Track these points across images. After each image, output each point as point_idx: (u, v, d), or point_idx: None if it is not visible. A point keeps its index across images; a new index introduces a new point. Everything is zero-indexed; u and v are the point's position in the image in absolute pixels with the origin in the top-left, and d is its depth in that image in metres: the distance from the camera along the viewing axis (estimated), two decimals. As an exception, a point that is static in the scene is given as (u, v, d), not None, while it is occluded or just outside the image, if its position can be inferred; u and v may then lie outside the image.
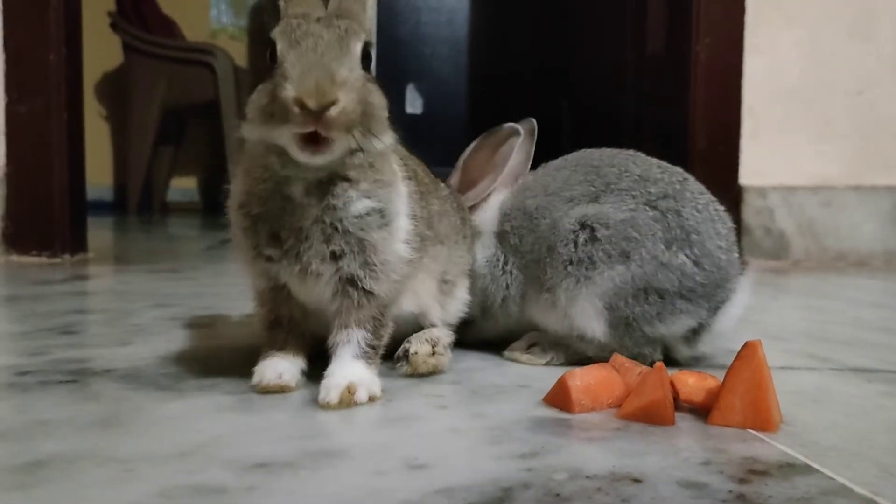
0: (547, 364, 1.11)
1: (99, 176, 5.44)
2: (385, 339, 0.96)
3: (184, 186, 6.03)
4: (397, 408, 0.88)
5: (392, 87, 3.41)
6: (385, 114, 0.89)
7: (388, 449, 0.74)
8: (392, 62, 3.91)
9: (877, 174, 2.69)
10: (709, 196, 1.12)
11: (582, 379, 0.88)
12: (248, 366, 0.96)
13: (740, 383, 0.82)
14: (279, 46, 0.84)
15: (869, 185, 2.67)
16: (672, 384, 0.87)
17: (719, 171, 2.64)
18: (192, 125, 5.73)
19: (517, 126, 1.23)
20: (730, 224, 1.11)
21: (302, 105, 0.78)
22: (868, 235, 2.64)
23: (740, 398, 0.82)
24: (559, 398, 0.89)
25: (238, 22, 6.26)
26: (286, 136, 0.82)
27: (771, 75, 2.65)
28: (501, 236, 1.21)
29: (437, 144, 3.82)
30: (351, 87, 0.81)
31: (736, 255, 1.10)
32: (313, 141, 0.81)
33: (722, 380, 0.85)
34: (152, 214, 5.18)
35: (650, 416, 0.83)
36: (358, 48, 0.86)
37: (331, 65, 0.81)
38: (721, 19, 2.63)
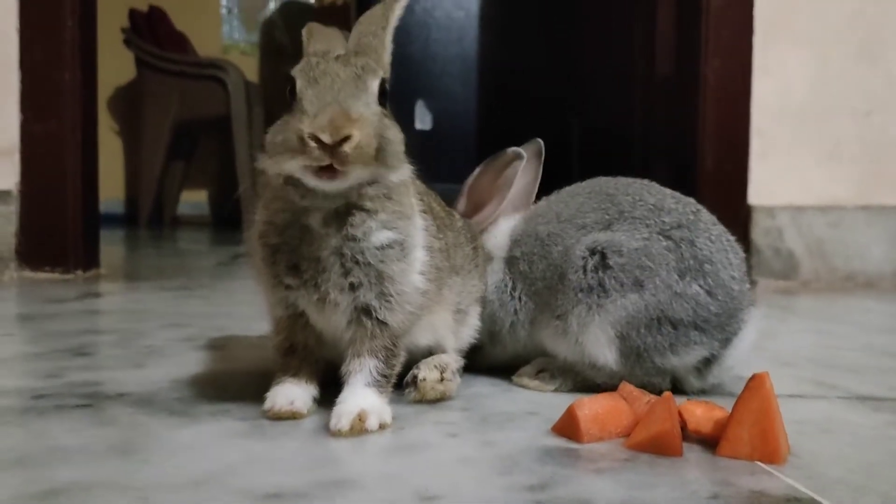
0: (555, 391, 1.12)
1: (110, 189, 5.48)
2: (397, 369, 0.97)
3: (194, 200, 6.07)
4: (408, 436, 0.89)
5: (401, 104, 3.43)
6: (401, 147, 0.91)
7: (400, 479, 0.75)
8: (402, 79, 3.94)
9: (885, 195, 2.68)
10: (721, 227, 1.13)
11: (590, 408, 0.89)
12: (260, 390, 0.97)
13: (748, 415, 0.83)
14: (298, 84, 0.87)
15: (878, 205, 2.67)
16: (680, 414, 0.88)
17: (728, 191, 2.65)
18: (203, 140, 5.78)
19: (520, 150, 1.25)
20: (741, 254, 1.12)
21: (317, 140, 0.81)
22: (877, 256, 2.64)
23: (748, 430, 0.82)
24: (568, 427, 0.89)
25: (249, 38, 6.32)
26: (301, 168, 0.84)
27: (779, 96, 2.66)
28: (511, 262, 1.22)
29: (446, 161, 3.85)
30: (366, 122, 0.83)
31: (747, 285, 1.10)
32: (327, 172, 0.83)
33: (730, 410, 0.85)
34: (163, 228, 5.22)
35: (658, 447, 0.84)
36: (374, 85, 0.88)
37: (346, 101, 0.84)
38: (729, 41, 2.64)
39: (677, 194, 1.16)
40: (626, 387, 0.97)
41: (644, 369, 1.07)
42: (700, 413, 0.89)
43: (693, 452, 0.85)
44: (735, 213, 2.62)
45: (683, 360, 1.07)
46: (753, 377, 0.84)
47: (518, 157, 1.24)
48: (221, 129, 5.24)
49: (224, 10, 6.27)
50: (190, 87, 5.25)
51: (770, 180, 2.65)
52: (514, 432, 0.91)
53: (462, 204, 1.29)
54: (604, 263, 1.08)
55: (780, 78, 2.66)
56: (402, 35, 4.11)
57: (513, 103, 4.02)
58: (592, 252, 1.09)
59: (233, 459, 0.79)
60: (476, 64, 4.02)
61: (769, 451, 0.81)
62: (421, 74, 3.97)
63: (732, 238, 1.12)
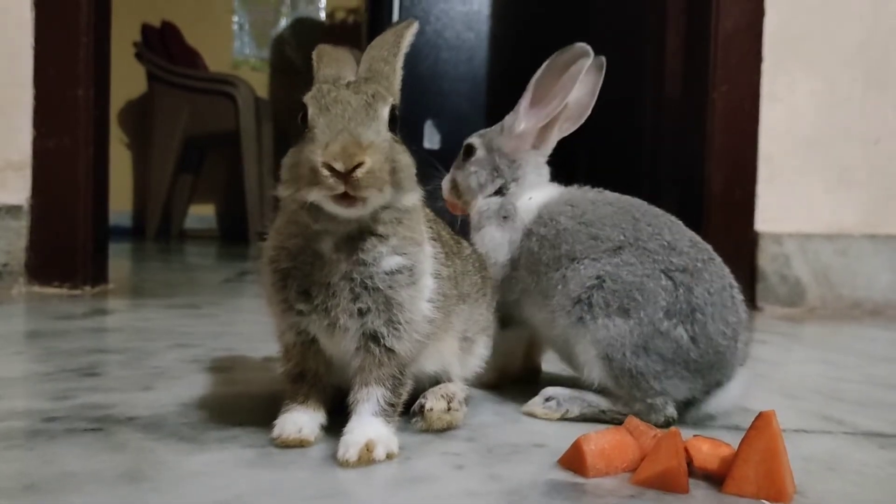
0: (562, 418, 1.13)
1: (118, 201, 5.52)
2: (404, 397, 0.97)
3: (202, 214, 6.11)
4: (414, 467, 0.90)
5: (410, 124, 3.44)
6: (412, 172, 0.92)
7: (406, 513, 0.75)
8: (411, 99, 3.97)
9: (893, 223, 2.69)
10: (728, 281, 1.13)
11: (596, 443, 0.89)
12: (268, 416, 0.98)
13: (754, 454, 0.83)
14: (310, 111, 0.88)
15: (885, 234, 2.67)
16: (686, 450, 0.88)
17: (735, 217, 2.65)
18: (212, 154, 5.82)
19: (588, 47, 1.25)
20: (743, 315, 1.12)
21: (331, 168, 0.82)
22: (884, 285, 2.64)
23: (754, 468, 0.83)
24: (574, 461, 0.90)
25: (260, 53, 6.37)
26: (320, 196, 0.85)
27: (787, 122, 2.67)
28: (528, 234, 1.24)
29: (453, 181, 3.86)
30: (377, 149, 0.85)
31: (741, 345, 1.11)
32: (346, 199, 0.84)
33: (736, 447, 0.86)
34: (170, 241, 5.25)
35: (665, 484, 0.84)
36: (385, 112, 0.89)
37: (357, 129, 0.85)
38: (738, 67, 2.66)
39: (697, 238, 1.17)
40: (632, 421, 0.97)
41: (642, 391, 1.09)
42: (706, 450, 0.89)
43: (699, 489, 0.85)
44: (742, 239, 2.63)
45: (674, 391, 1.09)
46: (760, 415, 0.84)
47: (585, 53, 1.25)
48: (230, 143, 5.28)
49: (235, 26, 6.32)
50: (200, 102, 5.29)
51: (777, 207, 2.66)
52: (521, 465, 0.92)
53: (526, 101, 1.29)
54: (599, 284, 1.11)
55: (789, 104, 2.67)
56: (412, 55, 4.12)
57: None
58: (597, 276, 1.12)
59: (241, 489, 0.80)
60: (485, 84, 4.05)
61: (775, 490, 0.82)
62: (430, 94, 3.99)
63: (739, 297, 1.13)
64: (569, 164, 4.11)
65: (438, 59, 4.03)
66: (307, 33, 6.38)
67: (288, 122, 6.03)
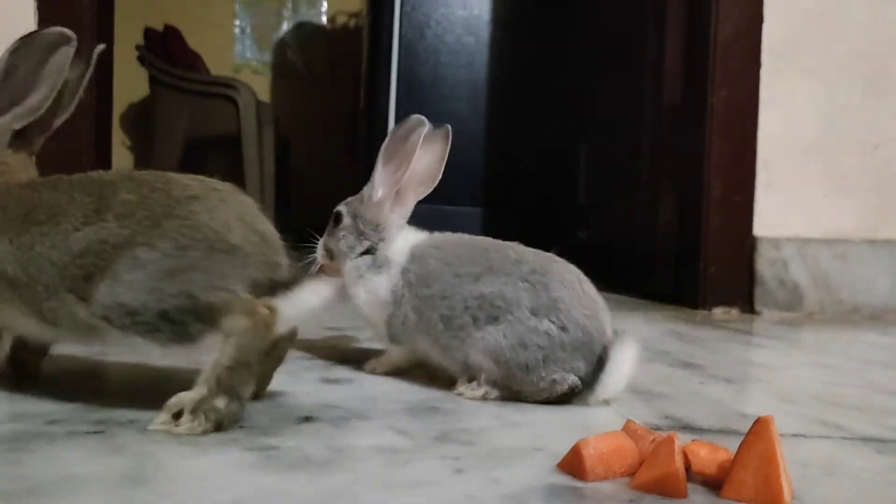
0: (483, 397, 1.25)
1: (120, 205, 5.53)
2: None
3: (202, 217, 6.10)
4: (414, 470, 0.90)
5: (411, 128, 3.36)
6: None
7: (406, 516, 0.76)
8: (411, 103, 3.98)
9: (892, 228, 2.70)
10: (577, 276, 1.29)
11: (595, 447, 0.90)
12: (269, 419, 0.98)
13: (752, 459, 0.84)
14: None
15: (884, 239, 2.68)
16: (685, 455, 0.89)
17: (734, 222, 2.66)
18: (213, 157, 5.83)
19: (423, 118, 1.36)
20: (599, 302, 1.28)
21: None
22: (883, 290, 2.64)
23: (752, 475, 0.83)
24: (573, 465, 0.90)
25: (262, 57, 6.39)
26: None
27: (786, 128, 2.69)
28: (405, 272, 1.36)
29: (456, 185, 3.87)
30: None
31: (605, 324, 1.26)
32: None
33: (734, 452, 0.86)
34: (170, 244, 5.24)
35: (663, 489, 0.85)
36: None
37: None
38: (737, 72, 2.67)
39: (539, 251, 1.33)
40: (631, 425, 0.98)
41: (537, 376, 1.22)
42: (704, 454, 0.89)
43: (697, 494, 0.86)
44: (740, 244, 2.64)
45: (561, 378, 1.22)
46: (758, 421, 0.85)
47: (420, 123, 1.35)
48: (232, 146, 5.29)
49: (237, 30, 6.34)
50: (201, 105, 5.31)
51: (776, 212, 2.67)
52: (520, 469, 0.92)
53: (378, 169, 1.40)
54: (465, 307, 1.26)
55: (788, 110, 2.68)
56: (412, 59, 4.16)
57: (521, 128, 4.05)
58: (465, 303, 1.27)
59: (243, 492, 0.80)
60: (485, 89, 4.06)
61: (772, 496, 0.82)
62: (430, 98, 4.00)
63: (590, 287, 1.29)
64: (571, 164, 4.10)
65: (438, 63, 4.04)
66: (309, 37, 6.41)
67: (288, 126, 6.08)
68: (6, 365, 1.27)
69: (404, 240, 1.41)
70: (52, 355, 1.30)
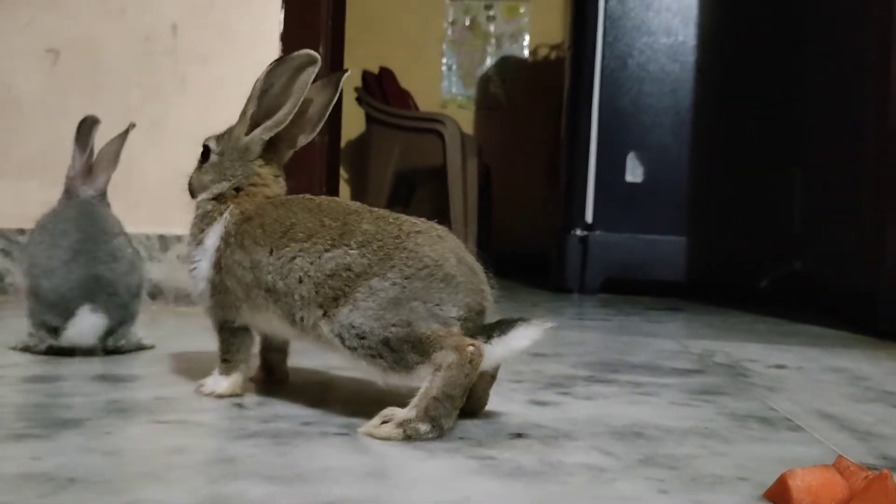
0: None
1: (338, 232, 6.03)
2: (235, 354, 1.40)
3: (410, 243, 6.48)
4: (620, 489, 0.97)
5: (612, 156, 3.48)
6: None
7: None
8: (613, 131, 4.01)
9: None
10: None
11: (803, 479, 0.91)
12: (484, 431, 1.09)
13: (975, 502, 0.81)
14: None
15: None
16: None
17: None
18: (421, 188, 6.20)
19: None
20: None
21: None
22: None
23: (974, 518, 0.81)
24: (779, 496, 0.93)
25: (466, 92, 6.71)
26: None
27: None
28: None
29: (657, 213, 3.85)
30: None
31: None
32: None
33: (956, 495, 0.84)
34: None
35: (874, 526, 0.85)
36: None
37: None
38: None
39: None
40: (843, 461, 0.97)
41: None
42: (921, 494, 0.88)
43: (913, 534, 0.85)
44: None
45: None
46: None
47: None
48: (438, 178, 5.61)
49: (444, 68, 6.72)
50: (411, 140, 5.69)
51: None
52: (724, 495, 0.96)
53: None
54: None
55: None
56: (614, 88, 4.20)
57: (727, 155, 3.94)
58: None
59: (469, 492, 0.92)
60: (690, 115, 4.00)
61: None
62: (632, 126, 4.02)
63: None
64: (783, 191, 3.90)
65: (641, 92, 4.04)
66: (511, 70, 6.64)
67: (491, 155, 6.33)
68: (260, 372, 1.50)
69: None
70: (295, 367, 1.51)
